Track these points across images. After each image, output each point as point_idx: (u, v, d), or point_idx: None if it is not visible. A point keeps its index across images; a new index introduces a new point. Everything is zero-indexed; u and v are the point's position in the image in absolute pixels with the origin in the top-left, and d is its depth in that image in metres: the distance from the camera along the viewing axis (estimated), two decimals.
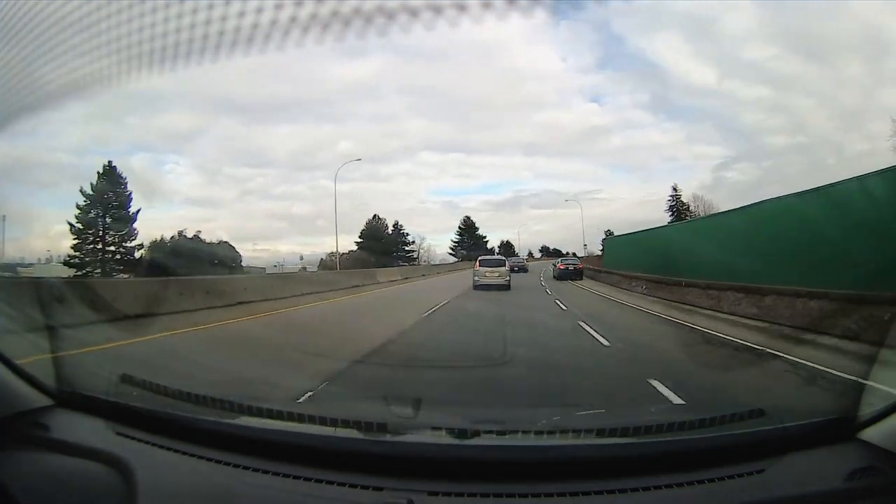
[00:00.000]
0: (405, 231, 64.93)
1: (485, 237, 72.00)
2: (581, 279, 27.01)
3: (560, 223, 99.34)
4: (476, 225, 72.39)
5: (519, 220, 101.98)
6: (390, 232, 63.47)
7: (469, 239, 71.33)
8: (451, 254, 69.86)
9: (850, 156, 54.25)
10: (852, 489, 1.41)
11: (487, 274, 19.31)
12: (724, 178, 72.86)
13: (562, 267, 28.92)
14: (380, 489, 1.41)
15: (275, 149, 63.96)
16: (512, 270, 22.97)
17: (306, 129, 72.25)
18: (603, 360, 6.40)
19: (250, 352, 6.98)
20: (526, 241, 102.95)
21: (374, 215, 63.47)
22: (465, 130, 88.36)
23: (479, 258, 22.10)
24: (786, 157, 64.06)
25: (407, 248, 64.52)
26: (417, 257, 63.00)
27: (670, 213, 56.48)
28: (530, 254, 78.55)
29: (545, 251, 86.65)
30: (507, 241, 77.10)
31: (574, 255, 45.03)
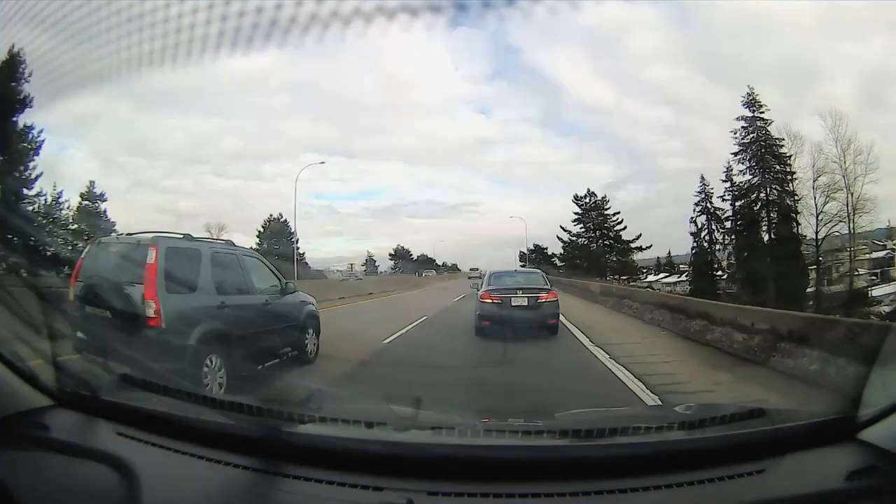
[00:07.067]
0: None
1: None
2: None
3: (437, 234, 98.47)
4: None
5: (396, 229, 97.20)
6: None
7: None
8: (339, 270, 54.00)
9: None
10: (852, 489, 1.41)
11: (472, 274, 39.49)
12: (613, 198, 67.83)
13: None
14: (380, 489, 1.41)
15: (165, 139, 62.52)
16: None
17: (195, 120, 69.97)
18: None
19: None
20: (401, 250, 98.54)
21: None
22: (350, 134, 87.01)
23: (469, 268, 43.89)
24: (682, 179, 63.01)
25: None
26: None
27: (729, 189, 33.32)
28: (369, 260, 65.59)
29: (399, 256, 66.98)
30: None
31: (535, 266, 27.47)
